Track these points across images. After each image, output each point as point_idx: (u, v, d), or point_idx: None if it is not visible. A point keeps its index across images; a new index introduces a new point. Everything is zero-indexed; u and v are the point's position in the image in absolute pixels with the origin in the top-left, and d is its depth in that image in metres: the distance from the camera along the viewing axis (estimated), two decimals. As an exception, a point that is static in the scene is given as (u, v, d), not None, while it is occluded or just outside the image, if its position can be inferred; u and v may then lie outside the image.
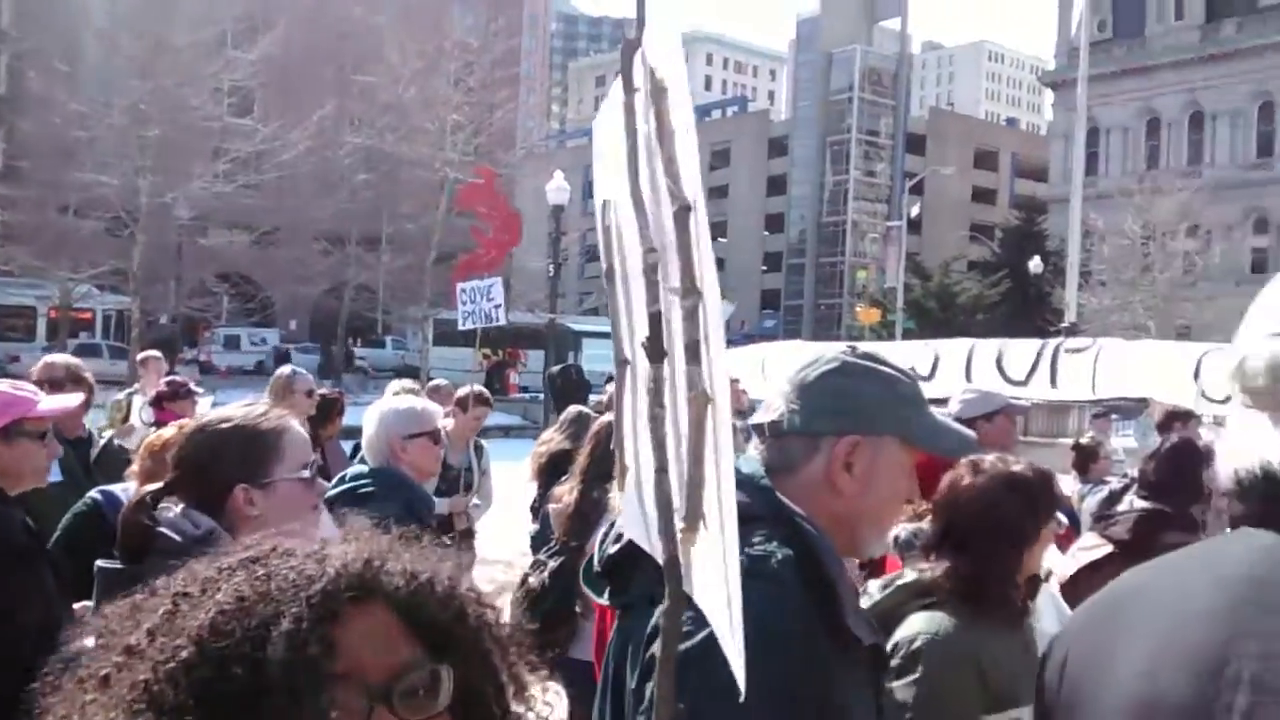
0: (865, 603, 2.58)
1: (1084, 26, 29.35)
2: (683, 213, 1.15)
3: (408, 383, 6.71)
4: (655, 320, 1.26)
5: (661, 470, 1.29)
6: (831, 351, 1.81)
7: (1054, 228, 53.45)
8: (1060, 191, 51.54)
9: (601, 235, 1.54)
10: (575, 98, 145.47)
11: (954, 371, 11.19)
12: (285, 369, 6.52)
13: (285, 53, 34.66)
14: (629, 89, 1.26)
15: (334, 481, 3.84)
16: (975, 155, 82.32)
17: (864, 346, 1.94)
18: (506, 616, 4.12)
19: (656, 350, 1.26)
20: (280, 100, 35.67)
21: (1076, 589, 3.56)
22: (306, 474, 2.25)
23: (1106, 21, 60.83)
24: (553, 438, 5.65)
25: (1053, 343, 11.81)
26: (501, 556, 8.67)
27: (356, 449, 4.71)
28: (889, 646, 2.52)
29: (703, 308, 1.16)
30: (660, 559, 1.33)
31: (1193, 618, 1.06)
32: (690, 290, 1.16)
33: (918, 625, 2.54)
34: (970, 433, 2.01)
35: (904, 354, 12.25)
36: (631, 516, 1.60)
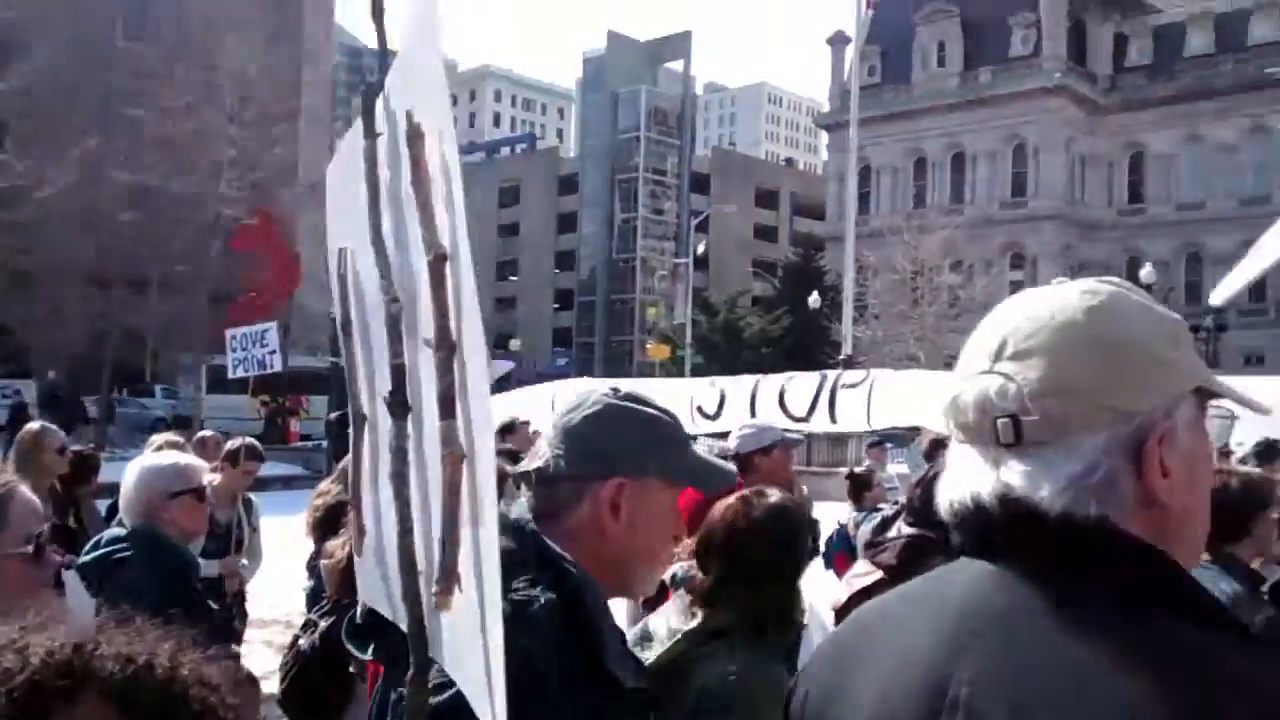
0: (648, 653, 2.56)
1: (854, 72, 30.94)
2: (438, 261, 1.11)
3: (171, 436, 6.35)
4: (399, 373, 1.21)
5: (406, 533, 1.24)
6: (595, 395, 1.83)
7: (831, 263, 55.89)
8: (836, 229, 54.00)
9: (336, 286, 1.49)
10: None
11: (739, 409, 11.55)
12: (33, 425, 6.02)
13: (42, 82, 32.56)
14: (370, 134, 1.21)
15: (88, 546, 3.59)
16: (757, 194, 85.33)
17: (628, 386, 1.97)
18: (277, 682, 3.88)
19: (400, 406, 1.21)
20: (37, 133, 33.47)
21: (848, 615, 3.65)
22: (30, 549, 2.05)
23: (876, 67, 64.44)
24: (330, 489, 5.41)
25: (830, 377, 12.32)
26: (280, 616, 8.33)
27: (114, 510, 4.41)
28: (694, 693, 2.51)
29: (459, 360, 1.11)
30: (403, 624, 1.28)
31: (918, 647, 1.10)
32: (444, 341, 1.11)
33: (722, 666, 2.53)
34: (730, 467, 2.07)
35: (691, 393, 12.55)
36: (371, 582, 1.54)
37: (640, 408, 1.81)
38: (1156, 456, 1.07)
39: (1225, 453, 10.13)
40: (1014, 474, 1.08)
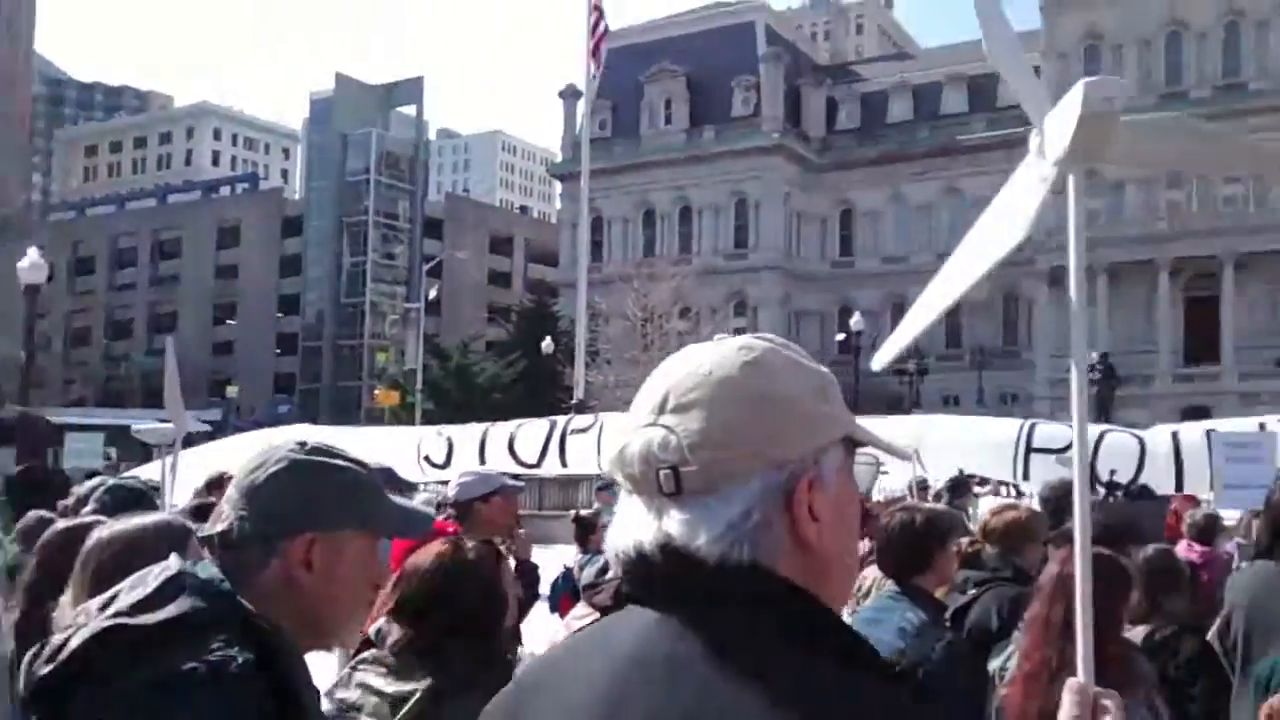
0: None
1: (585, 126, 31.58)
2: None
3: None
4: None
5: None
6: (279, 451, 1.77)
7: (565, 310, 56.60)
8: (569, 276, 54.86)
9: None
10: (62, 167, 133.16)
11: (469, 457, 11.42)
12: None
13: None
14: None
15: None
16: (491, 240, 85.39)
17: (317, 438, 1.92)
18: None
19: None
20: None
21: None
22: None
23: (607, 121, 66.21)
24: (10, 549, 4.96)
25: (561, 423, 12.41)
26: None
27: None
28: None
29: None
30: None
31: (585, 696, 1.10)
32: None
33: None
34: (429, 512, 2.09)
35: (418, 441, 12.30)
36: None
37: (328, 460, 1.77)
38: (806, 502, 1.12)
39: (924, 487, 10.93)
40: (674, 523, 1.11)
